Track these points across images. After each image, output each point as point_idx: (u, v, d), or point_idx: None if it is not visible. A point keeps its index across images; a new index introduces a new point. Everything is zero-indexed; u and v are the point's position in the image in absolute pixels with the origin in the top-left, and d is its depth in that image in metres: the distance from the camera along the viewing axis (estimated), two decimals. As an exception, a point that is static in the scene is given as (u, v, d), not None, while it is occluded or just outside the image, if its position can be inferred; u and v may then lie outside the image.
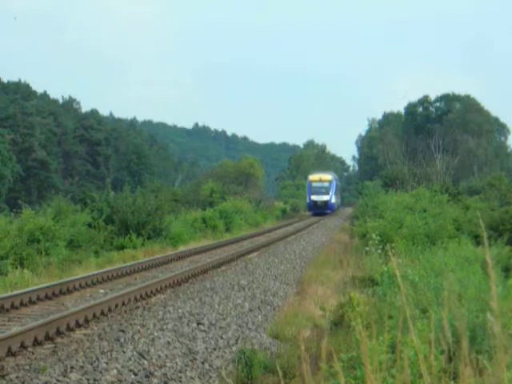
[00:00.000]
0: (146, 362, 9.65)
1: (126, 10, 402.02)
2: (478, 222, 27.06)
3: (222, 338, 11.74)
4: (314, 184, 70.02)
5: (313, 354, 9.82)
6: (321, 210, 68.64)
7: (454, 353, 5.25)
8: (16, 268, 19.26)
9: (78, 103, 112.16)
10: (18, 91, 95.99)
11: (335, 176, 77.78)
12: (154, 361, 9.78)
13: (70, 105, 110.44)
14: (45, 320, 11.19)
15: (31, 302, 14.22)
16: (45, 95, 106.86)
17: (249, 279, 18.68)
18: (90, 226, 27.62)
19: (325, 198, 68.90)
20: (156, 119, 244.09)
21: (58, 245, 22.82)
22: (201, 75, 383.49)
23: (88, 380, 8.59)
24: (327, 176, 72.09)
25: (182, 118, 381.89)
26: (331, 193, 69.54)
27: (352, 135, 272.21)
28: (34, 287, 15.25)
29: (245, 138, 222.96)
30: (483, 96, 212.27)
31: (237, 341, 11.69)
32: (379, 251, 20.59)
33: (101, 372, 8.92)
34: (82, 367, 9.03)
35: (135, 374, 9.09)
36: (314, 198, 69.22)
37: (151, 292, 15.79)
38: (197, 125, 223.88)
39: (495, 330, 3.07)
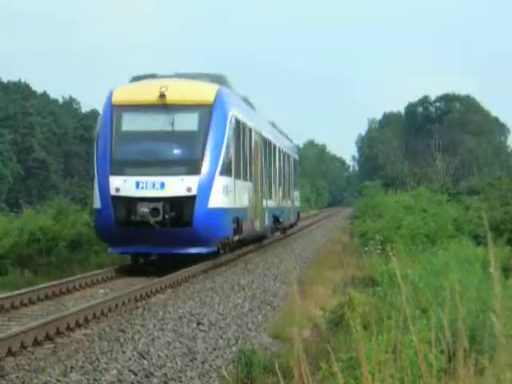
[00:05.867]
0: (145, 362, 9.64)
1: (127, 9, 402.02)
2: (478, 221, 27.11)
3: (221, 338, 11.74)
4: (125, 118, 17.96)
5: (312, 354, 9.82)
6: (149, 236, 17.21)
7: (453, 353, 5.26)
8: (16, 268, 19.28)
9: (78, 103, 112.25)
10: (18, 91, 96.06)
11: (238, 95, 22.77)
12: (153, 361, 9.78)
13: (69, 105, 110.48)
14: (45, 320, 11.18)
15: (31, 302, 14.20)
16: (45, 95, 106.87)
17: (249, 279, 18.68)
18: (90, 226, 27.60)
19: (177, 184, 17.09)
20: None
21: (58, 245, 22.82)
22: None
23: (88, 380, 8.59)
24: (195, 87, 18.46)
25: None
26: (209, 162, 17.22)
27: (352, 135, 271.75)
28: (34, 287, 15.23)
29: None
30: (483, 96, 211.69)
31: (237, 341, 11.68)
32: (379, 251, 20.61)
33: (101, 372, 8.92)
34: (82, 367, 9.03)
35: (135, 374, 9.09)
36: (116, 182, 17.06)
37: (151, 292, 15.78)
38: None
39: (497, 329, 3.07)
